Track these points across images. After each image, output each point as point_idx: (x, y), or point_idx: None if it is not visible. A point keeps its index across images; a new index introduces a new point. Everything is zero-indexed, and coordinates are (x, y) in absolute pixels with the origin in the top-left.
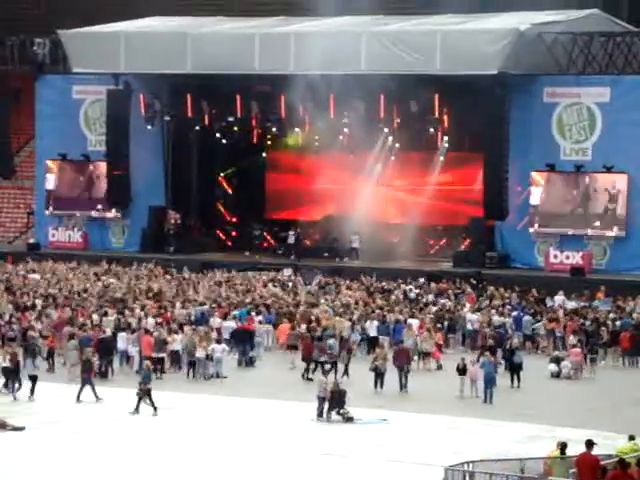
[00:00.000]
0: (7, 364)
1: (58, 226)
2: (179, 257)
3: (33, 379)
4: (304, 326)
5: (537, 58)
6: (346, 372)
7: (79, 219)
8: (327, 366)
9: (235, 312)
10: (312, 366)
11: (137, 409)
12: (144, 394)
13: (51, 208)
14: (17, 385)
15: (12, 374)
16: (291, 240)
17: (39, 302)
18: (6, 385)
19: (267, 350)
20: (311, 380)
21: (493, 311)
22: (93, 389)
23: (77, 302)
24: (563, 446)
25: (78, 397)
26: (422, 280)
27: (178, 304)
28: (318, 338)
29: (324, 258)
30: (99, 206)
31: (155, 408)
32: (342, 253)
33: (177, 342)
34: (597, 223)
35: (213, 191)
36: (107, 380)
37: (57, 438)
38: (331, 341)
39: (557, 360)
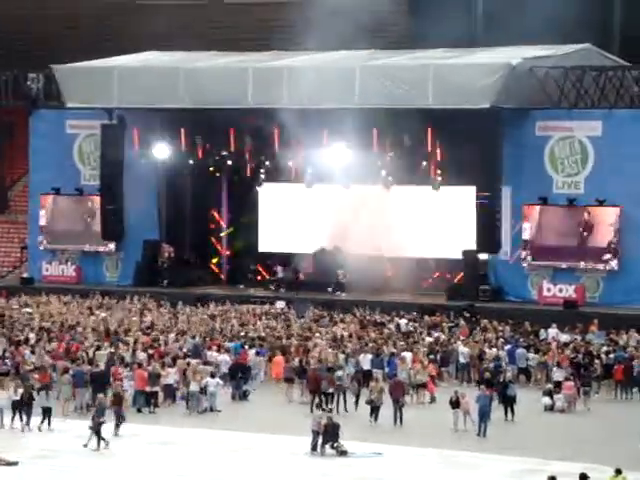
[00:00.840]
0: (17, 397)
1: (52, 260)
2: (173, 290)
3: (47, 411)
4: (297, 359)
5: (529, 92)
6: (357, 403)
7: (73, 253)
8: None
9: (229, 345)
10: (321, 398)
11: (88, 443)
12: (98, 427)
13: (45, 242)
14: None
15: (25, 407)
16: (281, 274)
17: (32, 336)
18: (13, 419)
19: (261, 383)
20: (325, 410)
21: (487, 344)
22: (119, 425)
23: (71, 336)
24: None
25: (116, 433)
26: (415, 313)
27: (172, 337)
28: (327, 369)
29: (317, 291)
30: (92, 241)
31: (107, 443)
32: (334, 286)
33: (170, 376)
34: (590, 261)
35: (207, 225)
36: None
37: (51, 473)
38: (339, 372)
39: (550, 393)
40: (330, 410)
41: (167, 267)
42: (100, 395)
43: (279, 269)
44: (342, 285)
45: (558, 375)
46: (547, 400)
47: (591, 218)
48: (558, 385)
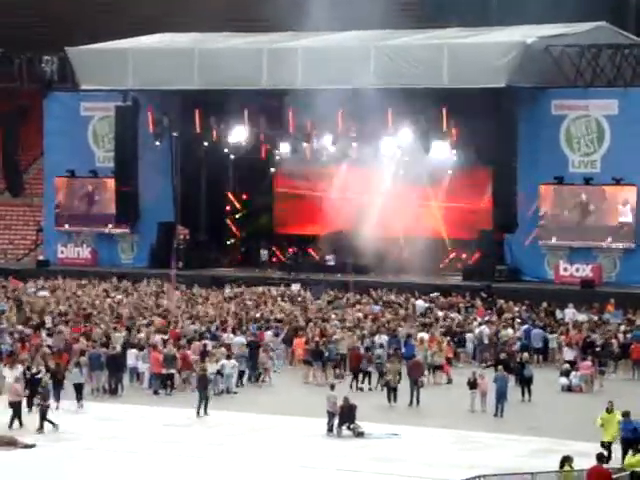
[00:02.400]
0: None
1: (67, 243)
2: (188, 273)
3: (78, 387)
4: (314, 342)
5: (544, 71)
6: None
7: (88, 235)
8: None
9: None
10: (358, 377)
11: (41, 427)
12: (45, 410)
13: (60, 225)
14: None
15: (57, 385)
16: (264, 258)
17: (49, 319)
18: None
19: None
20: (362, 390)
21: (503, 324)
22: (206, 404)
23: (87, 319)
24: (564, 459)
25: (198, 412)
26: (434, 294)
27: (187, 320)
28: (366, 348)
29: (333, 273)
30: (108, 223)
31: (55, 426)
32: (349, 269)
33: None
34: (607, 240)
35: (222, 206)
36: (117, 397)
37: (68, 455)
38: (379, 351)
39: (567, 373)
40: (370, 389)
41: (182, 249)
42: (44, 378)
43: (263, 252)
44: (331, 268)
45: (569, 354)
46: (564, 380)
47: (608, 197)
48: (570, 364)
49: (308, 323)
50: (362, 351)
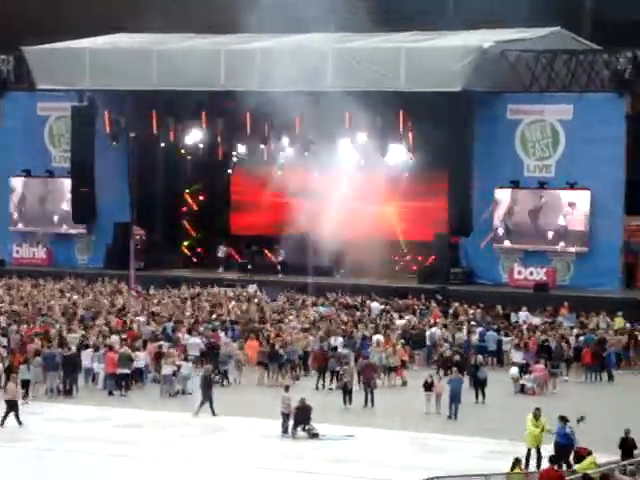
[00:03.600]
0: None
1: (22, 242)
2: (144, 273)
3: (24, 384)
4: (269, 343)
5: (500, 75)
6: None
7: (44, 236)
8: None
9: (201, 328)
10: (325, 376)
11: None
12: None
13: (15, 225)
14: None
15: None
16: (221, 254)
17: (3, 319)
18: None
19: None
20: (331, 390)
21: (457, 327)
22: (211, 405)
23: (42, 319)
24: (516, 462)
25: (197, 413)
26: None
27: (143, 320)
28: (333, 348)
29: (290, 274)
30: (63, 223)
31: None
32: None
33: (141, 359)
34: (561, 243)
35: (178, 207)
36: (71, 397)
37: (22, 456)
38: (345, 351)
39: (521, 368)
40: (338, 388)
41: (138, 249)
42: None
43: (220, 248)
44: (282, 264)
45: (517, 356)
46: (515, 371)
47: (562, 201)
48: (519, 367)
49: (264, 324)
50: (329, 351)
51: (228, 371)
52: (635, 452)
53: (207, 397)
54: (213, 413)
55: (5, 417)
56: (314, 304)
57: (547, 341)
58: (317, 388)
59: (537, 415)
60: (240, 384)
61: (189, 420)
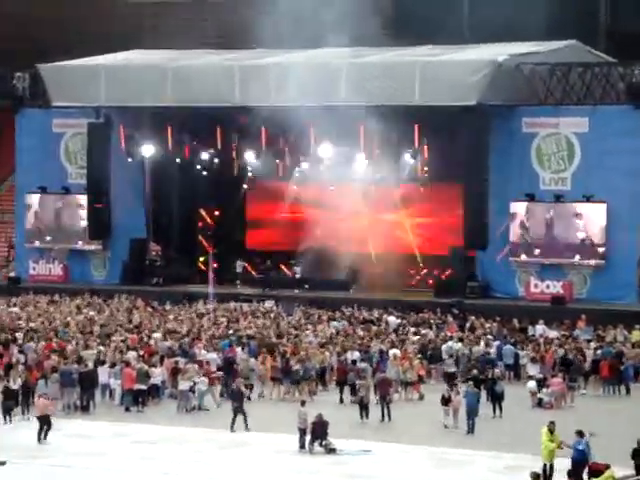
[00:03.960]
0: (15, 387)
1: (39, 259)
2: (160, 289)
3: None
4: (282, 359)
5: (515, 89)
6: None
7: (59, 252)
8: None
9: (218, 344)
10: (343, 390)
11: None
12: None
13: (31, 241)
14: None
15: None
16: (239, 269)
17: (20, 335)
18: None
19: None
20: (353, 402)
21: (474, 340)
22: (245, 420)
23: (59, 335)
24: (535, 477)
25: (232, 427)
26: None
27: (158, 336)
28: (353, 362)
29: (306, 289)
30: (79, 239)
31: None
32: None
33: (158, 375)
34: (577, 257)
35: (194, 223)
36: (88, 414)
37: (39, 472)
38: (363, 365)
39: (539, 382)
40: (354, 402)
41: (157, 265)
42: None
43: (238, 264)
44: (299, 281)
45: (532, 370)
46: (532, 384)
47: (579, 214)
48: (537, 380)
49: (280, 339)
50: (348, 365)
51: (253, 386)
52: None
53: (239, 411)
54: (246, 427)
55: (40, 433)
56: (330, 319)
57: (565, 355)
58: (341, 401)
59: (552, 429)
60: (264, 398)
61: (206, 436)
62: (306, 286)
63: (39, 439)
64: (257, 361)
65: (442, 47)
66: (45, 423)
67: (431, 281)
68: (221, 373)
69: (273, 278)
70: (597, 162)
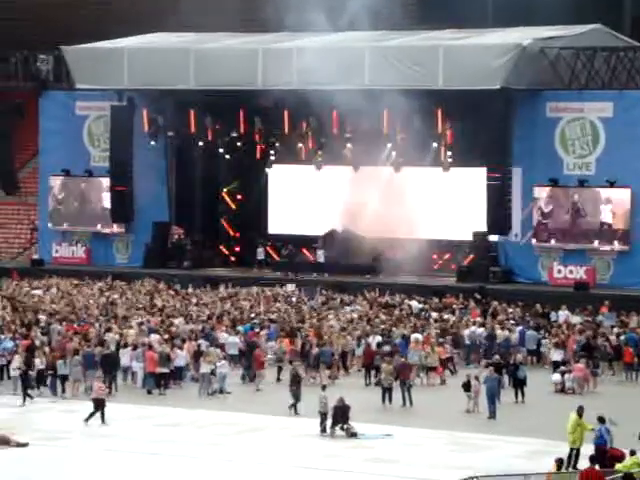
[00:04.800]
0: (42, 366)
1: (62, 242)
2: (182, 272)
3: (62, 379)
4: (300, 342)
5: (540, 73)
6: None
7: (83, 235)
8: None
9: (239, 327)
10: (370, 372)
11: None
12: None
13: (54, 224)
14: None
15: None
16: (260, 256)
17: (43, 317)
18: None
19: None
20: (377, 384)
21: (497, 326)
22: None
23: (81, 318)
24: (560, 462)
25: (296, 410)
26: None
27: (181, 320)
28: (378, 344)
29: (329, 273)
30: (102, 222)
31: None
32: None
33: (181, 358)
34: (600, 242)
35: (216, 206)
36: (110, 396)
37: (61, 454)
38: (387, 347)
39: (562, 372)
40: (376, 385)
41: (183, 248)
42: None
43: (259, 250)
44: (322, 266)
45: (556, 355)
46: (557, 377)
47: (602, 199)
48: (556, 364)
49: (302, 323)
50: (374, 347)
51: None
52: None
53: (297, 396)
54: (296, 412)
55: (92, 415)
56: (344, 304)
57: (588, 340)
58: (367, 385)
59: (580, 413)
60: (274, 382)
61: (227, 419)
62: (326, 274)
63: (87, 420)
64: (276, 344)
65: (465, 31)
66: (100, 406)
67: (454, 266)
68: (270, 357)
69: (295, 262)
70: (621, 147)
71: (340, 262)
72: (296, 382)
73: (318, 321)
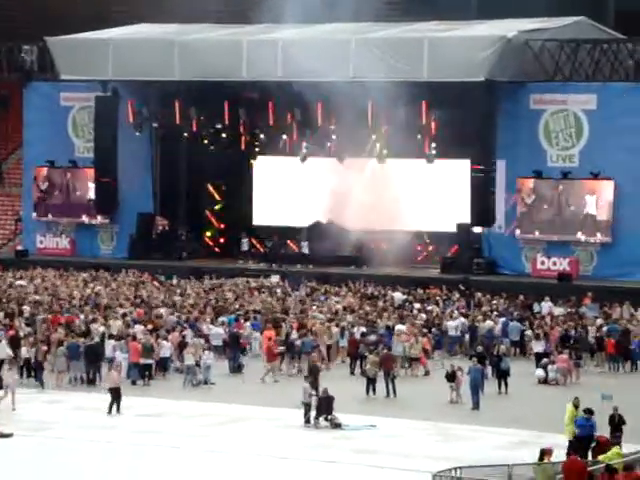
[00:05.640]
0: (28, 355)
1: (46, 233)
2: (167, 263)
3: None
4: (285, 333)
5: (524, 65)
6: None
7: (67, 226)
8: None
9: (223, 318)
10: (356, 362)
11: None
12: None
13: (39, 215)
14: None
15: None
16: (244, 247)
17: (27, 308)
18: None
19: (254, 357)
20: (362, 374)
21: (480, 317)
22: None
23: (65, 309)
24: (542, 452)
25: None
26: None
27: (166, 310)
28: (362, 334)
29: (311, 265)
30: (87, 213)
31: None
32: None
33: (166, 348)
34: (584, 233)
35: (201, 198)
36: (94, 387)
37: (45, 445)
38: (373, 337)
39: (545, 366)
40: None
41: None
42: None
43: (243, 241)
44: (306, 256)
45: (538, 346)
46: (541, 372)
47: (586, 191)
48: (538, 356)
49: (286, 314)
50: (358, 337)
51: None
52: None
53: (315, 386)
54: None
55: (112, 405)
56: (336, 294)
57: (567, 331)
58: (352, 374)
59: (577, 404)
60: (258, 373)
61: (212, 410)
62: (310, 266)
63: (110, 411)
64: (261, 336)
65: (450, 23)
66: (117, 395)
67: (438, 257)
68: (283, 348)
69: (279, 253)
70: (605, 139)
71: (324, 254)
72: (313, 374)
73: (301, 312)
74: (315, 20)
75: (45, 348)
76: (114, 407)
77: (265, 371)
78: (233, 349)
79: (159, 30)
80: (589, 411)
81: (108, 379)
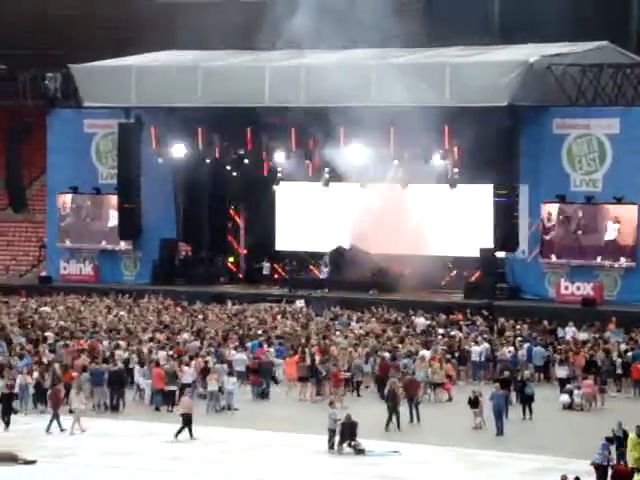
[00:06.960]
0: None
1: (69, 259)
2: (190, 289)
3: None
4: (309, 359)
5: (546, 90)
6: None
7: (90, 252)
8: None
9: (248, 344)
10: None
11: None
12: None
13: (62, 241)
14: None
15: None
16: (266, 271)
17: (51, 335)
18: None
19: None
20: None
21: (503, 342)
22: (398, 419)
23: (89, 335)
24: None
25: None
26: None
27: (189, 336)
28: (392, 358)
29: (335, 290)
30: (110, 239)
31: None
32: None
33: (188, 375)
34: (607, 258)
35: (224, 223)
36: (119, 413)
37: (69, 472)
38: (405, 360)
39: (570, 392)
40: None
41: (184, 265)
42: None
43: (264, 265)
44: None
45: (561, 372)
46: (565, 398)
47: (608, 216)
48: (562, 382)
49: (309, 340)
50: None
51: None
52: None
53: (394, 411)
54: (399, 427)
55: (181, 430)
56: (358, 320)
57: (592, 357)
58: (381, 398)
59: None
60: (282, 399)
61: (235, 436)
62: (326, 290)
63: (177, 435)
64: (284, 361)
65: (472, 48)
66: (188, 422)
67: (461, 282)
68: (349, 374)
69: (299, 279)
70: (628, 163)
71: (346, 279)
72: (392, 398)
73: (323, 338)
74: (338, 46)
75: (70, 374)
76: (183, 433)
77: (333, 397)
78: (263, 375)
79: (182, 57)
80: (609, 439)
81: (181, 404)
